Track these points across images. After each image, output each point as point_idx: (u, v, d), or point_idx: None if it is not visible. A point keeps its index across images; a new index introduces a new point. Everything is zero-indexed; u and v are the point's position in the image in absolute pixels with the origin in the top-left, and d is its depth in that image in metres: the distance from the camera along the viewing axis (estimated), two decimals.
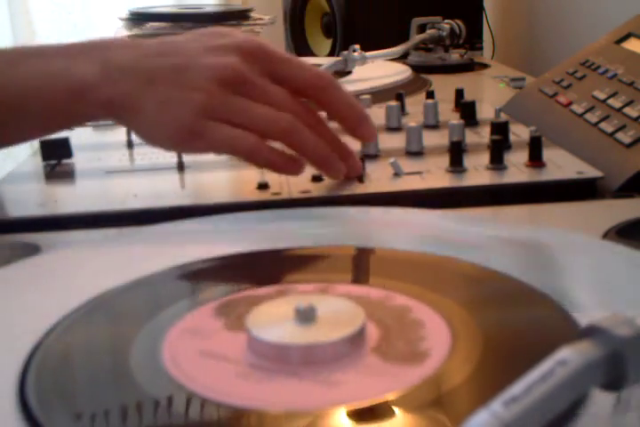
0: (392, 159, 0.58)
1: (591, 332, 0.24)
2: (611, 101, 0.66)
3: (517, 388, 0.22)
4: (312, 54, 1.40)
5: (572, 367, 0.23)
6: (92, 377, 0.32)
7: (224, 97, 0.51)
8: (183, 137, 0.51)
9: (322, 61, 0.99)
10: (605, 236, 0.44)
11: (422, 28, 1.13)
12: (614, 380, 0.24)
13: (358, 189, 0.56)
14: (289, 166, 0.53)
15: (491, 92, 0.98)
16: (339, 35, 1.31)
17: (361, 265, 0.44)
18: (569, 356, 0.23)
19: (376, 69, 0.99)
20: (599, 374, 0.24)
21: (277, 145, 0.53)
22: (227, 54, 0.52)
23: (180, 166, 0.63)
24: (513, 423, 0.21)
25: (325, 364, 0.30)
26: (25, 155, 0.71)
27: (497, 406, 0.21)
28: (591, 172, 0.57)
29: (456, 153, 0.59)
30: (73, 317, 0.36)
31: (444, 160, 0.60)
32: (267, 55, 0.53)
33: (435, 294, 0.37)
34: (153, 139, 0.53)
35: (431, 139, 0.66)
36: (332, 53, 1.32)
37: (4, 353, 0.33)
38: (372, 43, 1.03)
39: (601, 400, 0.26)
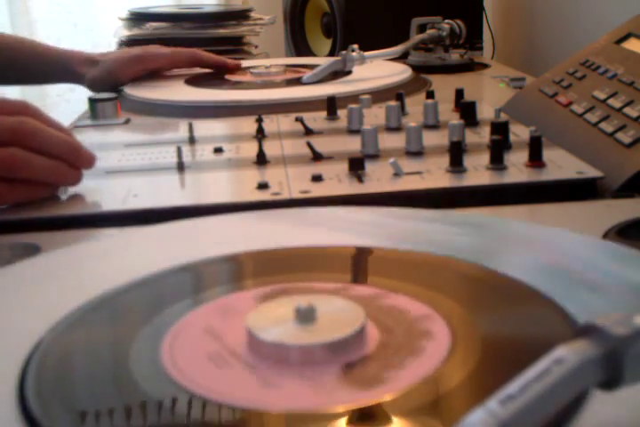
0: (392, 159, 0.59)
1: (588, 331, 0.24)
2: (611, 101, 0.66)
3: (514, 386, 0.22)
4: (312, 54, 1.40)
5: (569, 366, 0.23)
6: (92, 377, 0.32)
7: None
8: None
9: (321, 61, 0.99)
10: (605, 236, 0.44)
11: (422, 28, 1.13)
12: (611, 379, 0.24)
13: (358, 189, 0.56)
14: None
15: (491, 92, 0.98)
16: (339, 35, 1.31)
17: (361, 265, 0.44)
18: (565, 354, 0.23)
19: (376, 69, 0.99)
20: (596, 373, 0.24)
21: None
22: None
23: (180, 166, 0.63)
24: (509, 422, 0.21)
25: (325, 364, 0.30)
26: None
27: (493, 404, 0.21)
28: (591, 172, 0.57)
29: (456, 153, 0.59)
30: (73, 317, 0.36)
31: (444, 160, 0.60)
32: None
33: (434, 294, 0.37)
34: None
35: (431, 139, 0.66)
36: (331, 53, 1.32)
37: (4, 353, 0.33)
38: (372, 43, 1.03)
39: (599, 400, 0.26)
